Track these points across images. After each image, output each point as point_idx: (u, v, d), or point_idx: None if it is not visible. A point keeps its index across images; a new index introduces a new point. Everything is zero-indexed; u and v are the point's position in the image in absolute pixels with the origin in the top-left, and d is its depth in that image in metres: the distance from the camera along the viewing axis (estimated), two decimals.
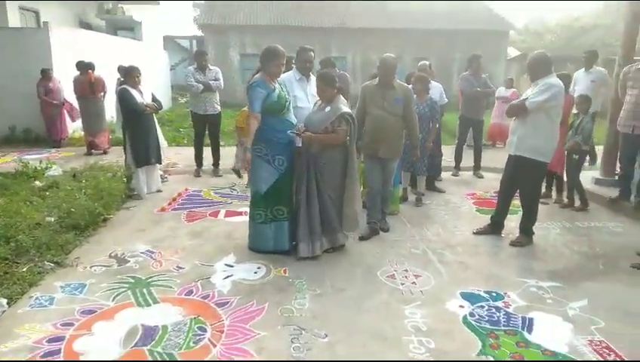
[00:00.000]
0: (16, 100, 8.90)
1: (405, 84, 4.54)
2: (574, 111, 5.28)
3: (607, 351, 2.62)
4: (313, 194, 3.71)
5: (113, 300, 3.09)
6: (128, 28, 16.48)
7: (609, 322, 2.92)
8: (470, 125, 6.77)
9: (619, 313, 3.04)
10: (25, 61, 8.87)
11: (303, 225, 3.71)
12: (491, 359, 2.53)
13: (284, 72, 4.37)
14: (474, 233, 4.45)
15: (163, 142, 5.75)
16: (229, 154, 6.91)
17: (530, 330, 2.83)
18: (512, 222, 4.46)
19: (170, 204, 5.27)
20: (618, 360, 2.55)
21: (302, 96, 4.18)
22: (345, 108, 3.71)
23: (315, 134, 3.65)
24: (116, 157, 7.39)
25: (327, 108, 3.71)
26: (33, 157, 7.02)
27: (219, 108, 6.58)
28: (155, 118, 5.61)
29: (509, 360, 2.53)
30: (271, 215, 3.82)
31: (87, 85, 7.99)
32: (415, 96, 5.24)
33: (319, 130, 3.67)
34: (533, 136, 3.92)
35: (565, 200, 5.42)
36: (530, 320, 2.95)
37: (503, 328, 2.85)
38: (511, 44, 21.04)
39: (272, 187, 3.75)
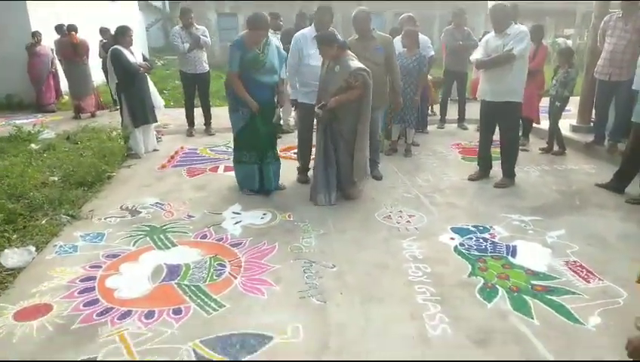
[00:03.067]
0: None
1: (386, 35, 4.75)
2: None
3: (580, 269, 3.00)
4: (330, 152, 4.01)
5: (134, 245, 3.34)
6: None
7: (582, 246, 3.30)
8: (454, 78, 7.01)
9: (591, 239, 3.42)
10: (4, 27, 8.65)
11: (321, 178, 4.05)
12: (481, 279, 2.88)
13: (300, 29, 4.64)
14: (468, 179, 4.74)
15: (160, 101, 5.84)
16: (218, 113, 7.04)
17: (514, 255, 3.19)
18: (495, 167, 4.78)
19: (169, 161, 5.44)
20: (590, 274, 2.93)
21: (315, 54, 4.23)
22: (355, 64, 3.86)
23: (334, 98, 3.84)
24: (107, 119, 7.45)
25: (337, 68, 3.88)
26: (21, 122, 7.00)
27: (207, 66, 6.64)
28: (148, 77, 5.67)
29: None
30: (238, 157, 4.29)
31: (71, 48, 7.90)
32: (405, 49, 5.45)
33: (334, 90, 3.86)
34: (513, 81, 4.24)
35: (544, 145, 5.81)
36: (514, 247, 3.31)
37: (489, 254, 3.20)
38: None
39: (241, 133, 4.18)
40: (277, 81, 4.19)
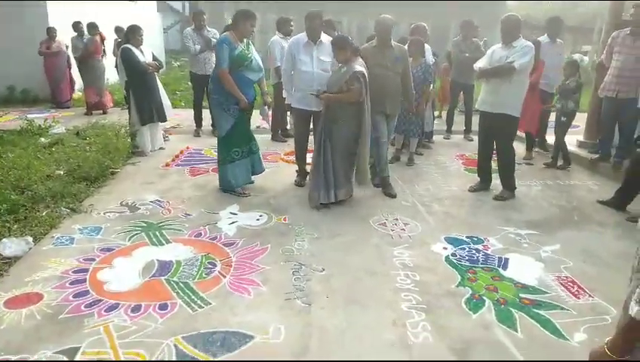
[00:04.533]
0: (13, 61, 8.93)
1: (401, 45, 4.76)
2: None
3: (571, 284, 2.97)
4: (328, 153, 4.06)
5: (129, 240, 3.39)
6: None
7: (576, 262, 3.27)
8: (461, 89, 7.01)
9: (586, 256, 3.38)
10: (23, 22, 8.89)
11: (320, 176, 4.08)
12: (469, 290, 2.87)
13: (296, 34, 4.70)
14: (468, 190, 4.73)
15: (167, 101, 5.94)
16: None
17: (505, 268, 3.17)
18: (497, 180, 4.75)
19: (173, 160, 5.52)
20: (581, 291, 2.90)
21: (306, 60, 4.33)
22: (358, 67, 3.94)
23: (331, 94, 3.96)
24: (117, 117, 7.58)
25: (343, 69, 3.99)
26: (34, 117, 7.17)
27: None
28: (157, 77, 5.77)
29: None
30: (229, 157, 4.32)
31: (101, 44, 8.25)
32: (410, 59, 5.45)
33: (335, 90, 3.96)
34: (509, 94, 4.22)
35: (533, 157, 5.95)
36: (506, 259, 3.29)
37: (480, 265, 3.19)
38: (508, 12, 20.98)
39: (232, 132, 4.24)
40: (261, 77, 4.36)
